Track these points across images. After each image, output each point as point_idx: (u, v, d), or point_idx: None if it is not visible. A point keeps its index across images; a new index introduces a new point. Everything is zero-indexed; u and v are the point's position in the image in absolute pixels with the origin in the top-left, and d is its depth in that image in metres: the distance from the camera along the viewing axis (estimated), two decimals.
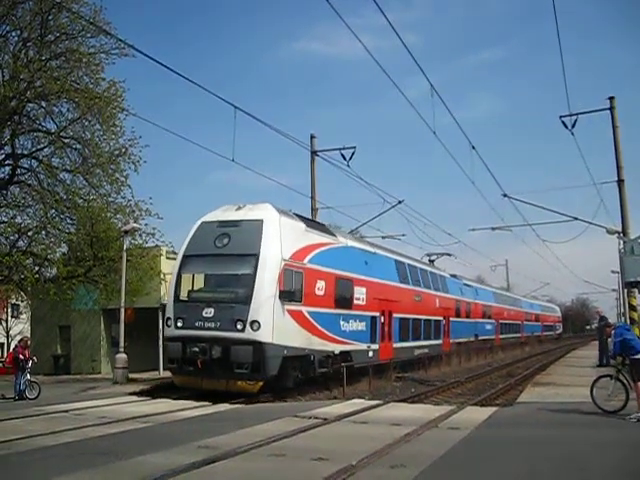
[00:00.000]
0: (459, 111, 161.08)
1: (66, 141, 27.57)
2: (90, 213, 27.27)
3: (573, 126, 25.44)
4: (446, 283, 37.13)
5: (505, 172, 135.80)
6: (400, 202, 31.55)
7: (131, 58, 27.15)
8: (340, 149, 28.03)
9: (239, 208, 19.92)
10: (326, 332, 20.35)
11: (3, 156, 27.64)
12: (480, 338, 43.86)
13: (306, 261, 19.63)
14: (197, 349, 17.63)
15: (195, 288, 19.31)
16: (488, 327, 47.54)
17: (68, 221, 28.36)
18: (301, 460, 9.17)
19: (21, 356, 19.68)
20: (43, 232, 27.70)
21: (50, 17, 26.47)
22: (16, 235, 27.26)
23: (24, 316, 53.10)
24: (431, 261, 41.09)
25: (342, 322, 21.62)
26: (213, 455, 9.21)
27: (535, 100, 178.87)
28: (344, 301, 22.08)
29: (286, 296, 18.03)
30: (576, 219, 28.05)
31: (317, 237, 20.98)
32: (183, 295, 19.11)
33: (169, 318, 18.84)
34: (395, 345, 26.54)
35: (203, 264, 19.43)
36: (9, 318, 59.83)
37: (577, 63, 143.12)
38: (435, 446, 10.17)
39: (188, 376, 18.25)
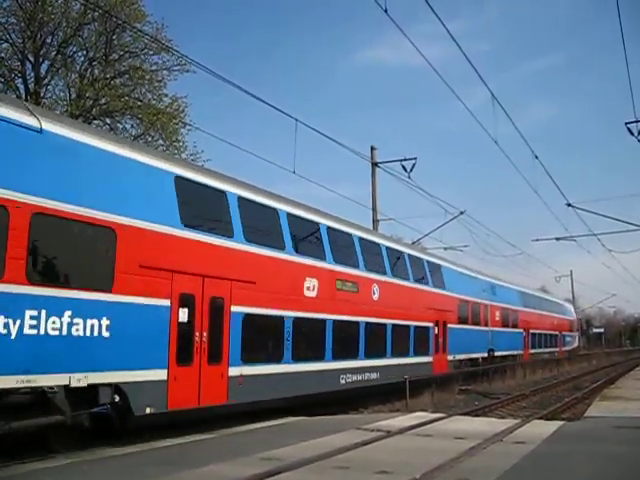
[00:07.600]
0: (521, 119, 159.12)
1: None
2: None
3: (639, 133, 24.77)
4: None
5: (568, 180, 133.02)
6: (462, 213, 31.08)
7: (192, 73, 27.80)
8: (401, 160, 27.60)
9: None
10: None
11: None
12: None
13: None
14: None
15: None
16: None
17: None
18: (365, 473, 9.09)
19: None
20: None
21: (114, 37, 27.45)
22: None
23: None
24: None
25: None
26: (277, 467, 9.18)
27: (599, 106, 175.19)
28: None
29: None
30: None
31: None
32: None
33: None
34: None
35: None
36: None
37: None
38: (500, 460, 9.97)
39: None
